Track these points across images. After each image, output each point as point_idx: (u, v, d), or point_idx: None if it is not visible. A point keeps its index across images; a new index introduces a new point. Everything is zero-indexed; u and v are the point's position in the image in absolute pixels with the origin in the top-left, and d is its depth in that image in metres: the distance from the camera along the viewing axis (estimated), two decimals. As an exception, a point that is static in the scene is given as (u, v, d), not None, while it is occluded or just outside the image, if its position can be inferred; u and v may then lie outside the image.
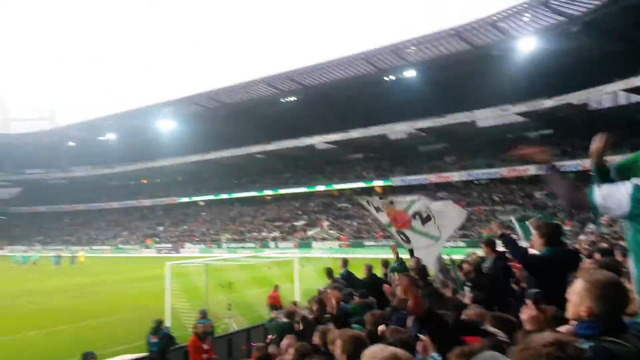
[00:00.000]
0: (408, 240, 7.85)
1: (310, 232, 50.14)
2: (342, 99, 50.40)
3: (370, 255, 34.69)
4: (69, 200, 75.13)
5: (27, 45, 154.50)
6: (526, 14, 36.19)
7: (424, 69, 43.84)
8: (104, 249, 58.34)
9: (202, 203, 65.79)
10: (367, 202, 8.91)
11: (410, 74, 45.10)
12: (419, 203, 7.82)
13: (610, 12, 32.23)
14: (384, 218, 8.23)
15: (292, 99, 52.16)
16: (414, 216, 7.71)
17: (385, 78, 46.25)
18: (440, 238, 7.52)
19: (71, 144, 72.63)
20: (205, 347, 9.22)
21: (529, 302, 2.77)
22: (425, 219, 7.56)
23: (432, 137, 49.92)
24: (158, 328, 10.09)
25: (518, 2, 34.96)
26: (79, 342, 12.60)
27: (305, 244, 45.79)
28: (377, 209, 8.36)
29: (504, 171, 42.97)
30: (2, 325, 15.94)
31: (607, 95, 38.37)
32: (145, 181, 75.54)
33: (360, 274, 9.07)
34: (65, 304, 20.41)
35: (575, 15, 34.74)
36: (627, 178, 2.45)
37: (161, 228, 63.44)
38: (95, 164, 74.77)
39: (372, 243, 42.60)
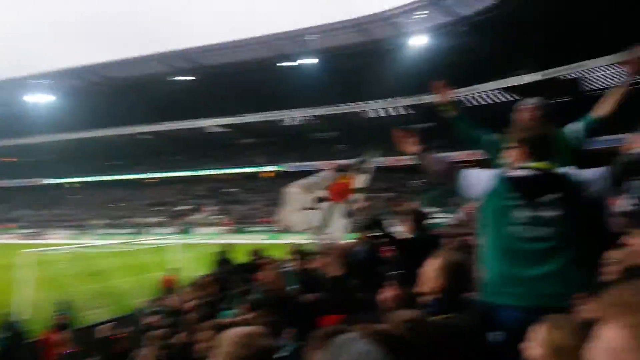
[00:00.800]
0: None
1: (194, 217, 48.60)
2: (239, 82, 49.35)
3: (256, 241, 34.53)
4: None
5: None
6: (419, 12, 38.06)
7: (322, 57, 44.47)
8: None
9: (76, 185, 60.51)
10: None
11: (308, 61, 45.45)
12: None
13: (493, 17, 34.98)
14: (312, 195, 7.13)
15: (187, 78, 49.95)
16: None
17: (284, 64, 46.08)
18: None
19: None
20: (62, 340, 8.36)
21: (389, 282, 2.90)
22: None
23: (326, 125, 50.90)
24: (5, 322, 9.04)
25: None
26: None
27: (188, 229, 44.30)
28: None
29: (390, 160, 45.17)
30: None
31: (487, 93, 41.70)
32: (9, 159, 67.24)
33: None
34: None
35: (464, 16, 37.20)
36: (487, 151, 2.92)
37: (26, 211, 57.14)
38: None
39: (258, 228, 42.23)
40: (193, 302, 6.73)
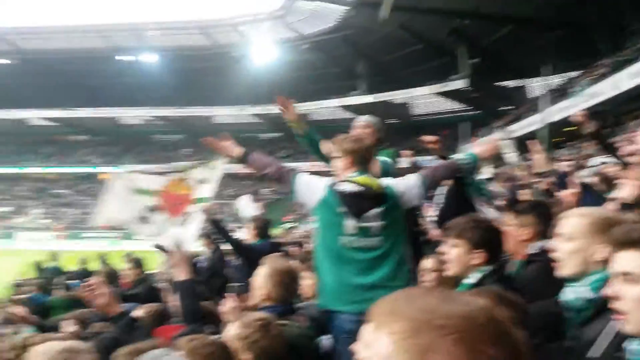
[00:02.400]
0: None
1: (16, 220, 42.72)
2: (68, 72, 44.71)
3: (90, 247, 31.73)
4: None
5: None
6: (265, 24, 39.05)
7: (165, 56, 42.75)
8: None
9: None
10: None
11: (149, 58, 43.30)
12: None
13: (333, 39, 37.52)
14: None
15: (5, 62, 43.60)
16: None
17: (121, 58, 43.16)
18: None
19: None
20: None
21: (229, 295, 2.87)
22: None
23: (169, 127, 48.98)
24: None
25: (260, 10, 37.65)
26: None
27: (8, 234, 38.76)
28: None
29: (238, 167, 45.19)
30: None
31: (328, 109, 44.12)
32: None
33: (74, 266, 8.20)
34: None
35: (306, 34, 39.17)
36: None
37: None
38: None
39: (93, 234, 38.90)
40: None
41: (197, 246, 6.99)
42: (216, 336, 1.91)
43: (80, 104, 44.82)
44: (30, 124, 50.02)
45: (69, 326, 3.15)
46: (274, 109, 41.48)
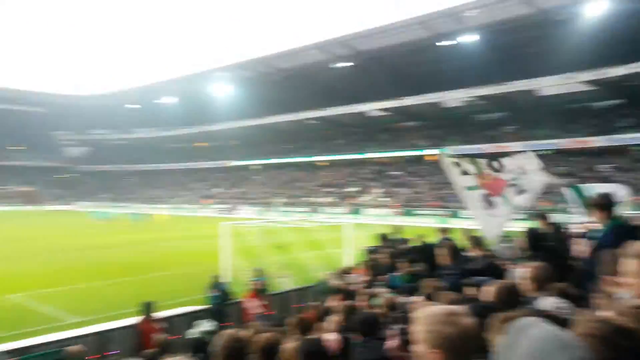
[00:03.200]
0: (490, 207, 7.26)
1: (361, 199, 50.44)
2: (397, 65, 49.40)
3: (422, 224, 34.70)
4: (131, 161, 79.03)
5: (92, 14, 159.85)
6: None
7: (484, 33, 42.06)
8: (164, 208, 61.08)
9: (256, 167, 67.32)
10: (456, 163, 7.88)
11: (468, 39, 43.40)
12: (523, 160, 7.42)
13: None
14: (467, 181, 7.51)
15: (345, 64, 51.60)
16: (510, 185, 7.24)
17: (442, 43, 44.73)
18: (519, 206, 7.24)
19: (132, 106, 75.85)
20: (261, 303, 9.78)
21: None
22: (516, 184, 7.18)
23: (490, 106, 48.27)
24: (216, 283, 10.70)
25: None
26: (142, 293, 13.64)
27: (356, 210, 46.17)
28: (465, 172, 7.54)
29: (566, 142, 41.07)
30: (75, 275, 17.42)
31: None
32: (201, 144, 77.95)
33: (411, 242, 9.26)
34: (133, 258, 21.91)
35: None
36: None
37: (218, 190, 65.72)
38: (155, 127, 77.96)
39: (424, 212, 42.40)
40: (362, 279, 7.37)
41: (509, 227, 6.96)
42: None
43: (409, 92, 48.95)
44: (369, 116, 57.94)
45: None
46: (611, 72, 35.71)
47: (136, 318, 8.06)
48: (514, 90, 42.72)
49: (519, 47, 41.20)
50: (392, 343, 3.21)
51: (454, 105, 51.67)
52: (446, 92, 47.92)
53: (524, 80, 42.16)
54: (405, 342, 2.91)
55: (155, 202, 64.91)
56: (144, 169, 77.40)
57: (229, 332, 2.59)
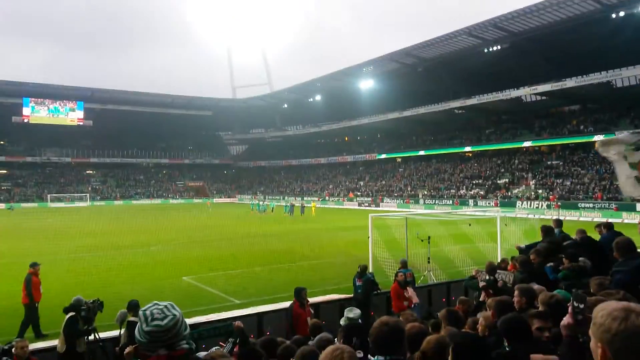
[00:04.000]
0: None
1: (514, 191, 47.04)
2: (556, 44, 44.59)
3: (584, 219, 31.22)
4: (283, 156, 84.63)
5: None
6: None
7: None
8: (313, 200, 64.20)
9: (399, 159, 66.99)
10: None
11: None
12: None
13: None
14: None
15: (497, 48, 48.19)
16: None
17: (613, 15, 39.06)
18: None
19: (285, 105, 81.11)
20: (407, 294, 9.71)
21: None
22: None
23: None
24: (363, 273, 10.88)
25: None
26: (294, 279, 14.55)
27: (508, 202, 43.18)
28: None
29: None
30: (238, 261, 19.24)
31: None
32: (347, 139, 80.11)
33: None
34: (286, 246, 23.47)
35: None
36: None
37: (362, 182, 66.96)
38: (305, 124, 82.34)
39: (588, 205, 38.00)
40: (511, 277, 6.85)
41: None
42: None
43: (570, 73, 44.11)
44: (523, 101, 53.65)
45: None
46: None
47: (289, 302, 8.60)
48: None
49: None
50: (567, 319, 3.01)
51: (626, 84, 45.18)
52: (617, 69, 41.96)
53: None
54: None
55: (304, 195, 68.49)
56: (295, 164, 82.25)
57: (384, 318, 2.61)
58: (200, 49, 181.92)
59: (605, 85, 44.61)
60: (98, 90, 75.94)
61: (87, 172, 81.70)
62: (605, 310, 1.40)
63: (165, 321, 2.03)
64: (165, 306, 2.11)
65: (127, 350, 2.48)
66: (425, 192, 54.41)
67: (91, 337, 7.20)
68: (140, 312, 2.11)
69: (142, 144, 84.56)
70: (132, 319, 6.90)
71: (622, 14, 38.49)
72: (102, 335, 7.43)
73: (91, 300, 7.28)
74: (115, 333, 7.29)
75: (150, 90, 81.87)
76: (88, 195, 73.55)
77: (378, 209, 50.15)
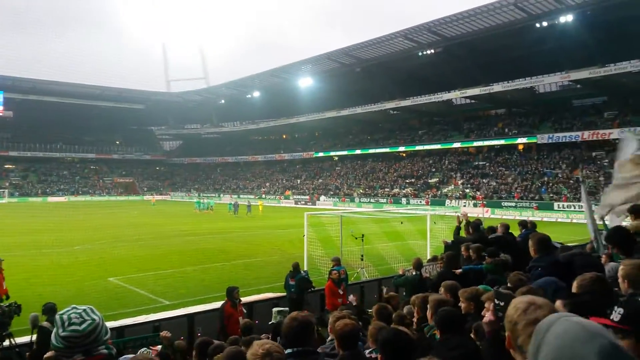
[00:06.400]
0: None
1: (444, 190, 49.07)
2: (485, 50, 46.79)
3: (507, 217, 33.09)
4: (219, 153, 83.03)
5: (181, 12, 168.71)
6: None
7: (584, 12, 38.66)
8: (249, 198, 63.51)
9: (336, 158, 67.81)
10: None
11: (566, 18, 39.98)
12: None
13: None
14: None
15: (431, 51, 49.88)
16: None
17: (537, 25, 41.52)
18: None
19: (222, 101, 79.48)
20: (340, 292, 9.86)
21: None
22: None
23: (589, 90, 44.61)
24: (296, 271, 10.90)
25: None
26: (228, 278, 14.35)
27: (438, 201, 45.02)
28: None
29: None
30: (169, 261, 18.68)
31: None
32: (285, 136, 79.95)
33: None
34: (220, 245, 23.07)
35: None
36: None
37: (299, 181, 67.14)
38: (242, 120, 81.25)
39: (510, 204, 40.40)
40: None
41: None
42: None
43: (497, 78, 46.49)
44: (454, 104, 56.05)
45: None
46: None
47: (220, 302, 8.47)
48: (616, 72, 38.94)
49: (623, 24, 37.43)
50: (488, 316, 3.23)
51: (547, 90, 48.40)
52: (539, 76, 44.83)
53: (629, 62, 38.29)
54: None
55: (240, 193, 67.63)
56: (232, 161, 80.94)
57: (293, 314, 2.72)
58: (132, 40, 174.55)
59: (528, 90, 47.52)
60: (20, 79, 70.62)
61: (6, 166, 75.95)
62: (513, 303, 1.56)
63: (83, 326, 1.94)
64: (84, 310, 2.01)
65: (47, 355, 2.38)
66: (361, 191, 55.47)
67: (6, 343, 6.73)
68: (57, 316, 2.00)
69: (67, 138, 79.85)
70: (44, 323, 6.55)
71: (545, 24, 41.00)
72: (20, 340, 6.97)
73: (7, 304, 6.81)
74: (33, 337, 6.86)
75: (78, 81, 76.59)
76: (7, 191, 68.41)
77: (314, 207, 50.50)
